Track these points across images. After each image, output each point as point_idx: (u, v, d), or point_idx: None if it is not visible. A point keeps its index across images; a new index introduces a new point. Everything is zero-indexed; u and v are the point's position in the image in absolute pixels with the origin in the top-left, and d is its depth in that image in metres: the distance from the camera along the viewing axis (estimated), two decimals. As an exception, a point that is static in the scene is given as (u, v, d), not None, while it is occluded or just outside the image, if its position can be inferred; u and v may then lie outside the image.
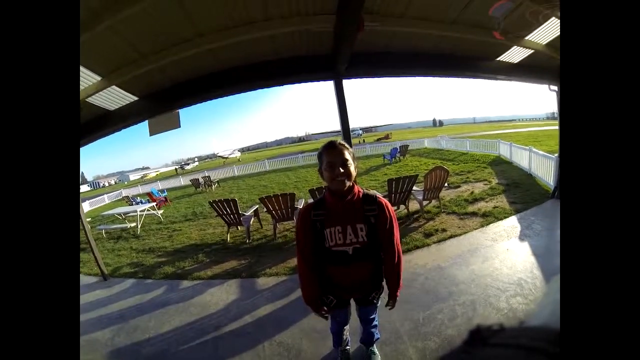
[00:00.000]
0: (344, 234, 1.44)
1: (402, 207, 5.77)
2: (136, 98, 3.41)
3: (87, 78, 2.74)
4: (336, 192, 1.43)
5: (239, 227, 5.91)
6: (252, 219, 6.01)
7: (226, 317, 3.13)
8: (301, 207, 1.53)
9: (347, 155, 1.38)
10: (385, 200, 1.49)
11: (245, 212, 6.14)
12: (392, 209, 1.52)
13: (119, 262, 5.74)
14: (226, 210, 5.63)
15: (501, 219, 4.60)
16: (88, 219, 11.49)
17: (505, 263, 3.26)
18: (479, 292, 2.79)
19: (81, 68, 2.54)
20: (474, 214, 5.07)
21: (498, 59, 3.96)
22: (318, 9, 2.39)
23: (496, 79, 4.29)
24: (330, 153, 1.38)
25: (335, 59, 2.99)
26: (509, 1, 2.55)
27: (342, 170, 1.35)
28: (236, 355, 2.51)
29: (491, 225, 4.45)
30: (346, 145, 1.41)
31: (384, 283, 1.69)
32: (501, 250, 3.58)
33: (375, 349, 2.18)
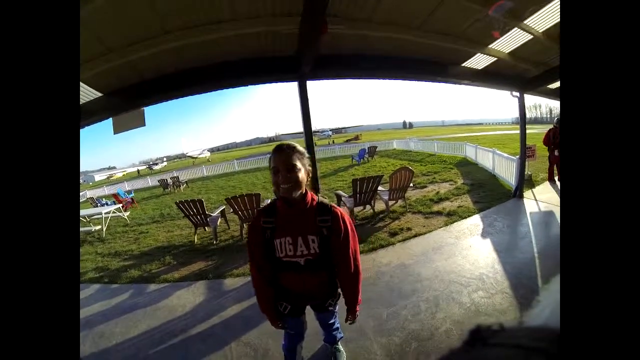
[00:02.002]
0: (294, 245, 1.34)
1: (368, 207, 5.89)
2: (100, 94, 3.26)
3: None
4: (286, 200, 1.33)
5: (206, 227, 5.83)
6: (219, 219, 5.95)
7: (194, 318, 3.11)
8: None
9: (295, 161, 1.25)
10: (341, 210, 1.41)
11: (212, 212, 6.07)
12: (348, 219, 1.43)
13: (83, 267, 5.42)
14: (193, 211, 5.55)
15: (465, 218, 4.85)
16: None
17: (468, 259, 3.45)
18: (442, 287, 2.92)
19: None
20: (439, 213, 5.32)
21: (464, 64, 4.17)
22: (285, 10, 2.42)
23: (462, 83, 4.52)
24: (276, 157, 1.26)
25: (300, 60, 3.04)
26: (478, 9, 2.69)
27: (288, 175, 1.24)
28: (204, 356, 2.50)
29: (455, 223, 4.69)
30: (298, 149, 1.29)
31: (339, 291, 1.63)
32: (464, 247, 3.78)
33: (339, 346, 2.18)
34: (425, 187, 7.71)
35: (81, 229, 8.04)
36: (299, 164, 1.27)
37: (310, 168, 1.35)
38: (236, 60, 3.24)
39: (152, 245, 6.09)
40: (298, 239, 1.34)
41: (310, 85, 3.53)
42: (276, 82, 3.81)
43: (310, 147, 3.54)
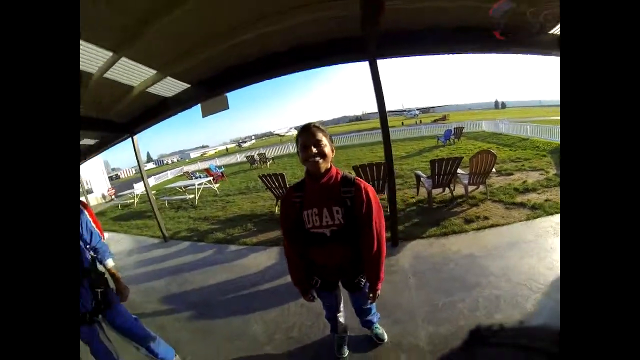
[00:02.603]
0: (320, 216, 1.44)
1: (447, 190, 5.60)
2: (188, 85, 3.82)
3: (145, 72, 3.19)
4: (312, 174, 1.44)
5: None
6: (290, 186, 6.35)
7: (263, 278, 3.54)
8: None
9: (321, 136, 1.38)
10: (364, 183, 1.46)
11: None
12: (372, 192, 1.48)
13: (178, 227, 6.61)
14: (274, 184, 6.00)
15: (551, 214, 4.18)
16: (153, 192, 13.07)
17: (545, 262, 2.98)
18: (508, 288, 2.65)
19: (137, 64, 2.97)
20: (522, 204, 4.71)
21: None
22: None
23: (552, 54, 3.80)
24: (303, 135, 1.39)
25: (366, 40, 2.99)
26: None
27: (315, 150, 1.36)
28: (265, 309, 2.87)
29: (538, 219, 4.10)
30: (321, 127, 1.41)
31: None
32: (543, 248, 3.30)
33: (379, 326, 2.21)
34: (512, 174, 6.84)
35: (177, 197, 9.57)
36: (324, 140, 1.39)
37: (333, 145, 1.46)
38: (305, 44, 3.34)
39: (236, 213, 6.92)
40: (323, 210, 1.43)
41: (396, 62, 3.43)
42: (347, 63, 3.81)
43: (384, 126, 3.51)
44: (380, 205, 1.52)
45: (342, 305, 1.98)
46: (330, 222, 1.44)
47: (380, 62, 3.38)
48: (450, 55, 3.97)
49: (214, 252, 4.75)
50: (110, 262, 2.01)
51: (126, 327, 2.02)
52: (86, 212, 1.94)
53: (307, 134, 1.38)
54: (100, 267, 1.99)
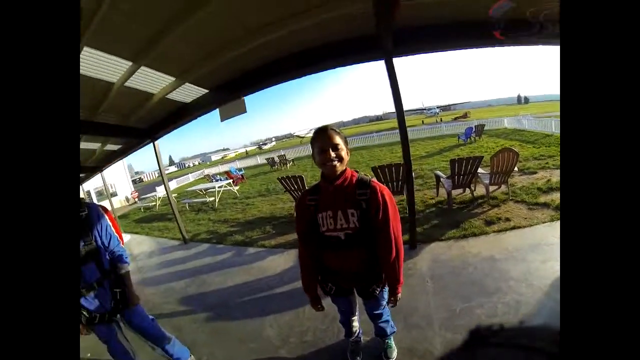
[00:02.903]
0: (334, 219, 1.43)
1: (468, 191, 5.47)
2: (206, 90, 3.93)
3: (164, 79, 3.31)
4: (328, 177, 1.44)
5: None
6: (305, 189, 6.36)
7: (280, 280, 3.57)
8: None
9: (338, 140, 1.38)
10: (380, 185, 1.44)
11: None
12: (388, 194, 1.45)
13: (198, 229, 6.78)
14: (294, 187, 6.00)
15: (578, 214, 3.99)
16: (174, 195, 13.49)
17: None
18: (530, 294, 2.51)
19: (157, 72, 3.09)
20: (545, 205, 4.50)
21: None
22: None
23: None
24: (320, 138, 1.38)
25: (380, 38, 2.94)
26: None
27: (333, 154, 1.35)
28: (280, 312, 2.89)
29: (563, 219, 3.92)
30: (337, 130, 1.41)
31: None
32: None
33: (391, 341, 2.11)
34: (535, 173, 6.53)
35: (198, 200, 9.83)
36: (342, 143, 1.39)
37: (348, 148, 1.45)
38: (319, 45, 3.34)
39: (256, 216, 7.02)
40: (338, 213, 1.42)
41: (415, 60, 3.37)
42: (362, 63, 3.78)
43: (402, 126, 3.46)
44: (396, 207, 1.49)
45: (357, 309, 1.96)
46: (345, 225, 1.42)
47: (398, 60, 3.33)
48: (471, 49, 3.81)
49: (232, 255, 4.84)
50: (125, 267, 2.05)
51: (143, 327, 2.08)
52: (106, 217, 2.02)
53: (324, 137, 1.38)
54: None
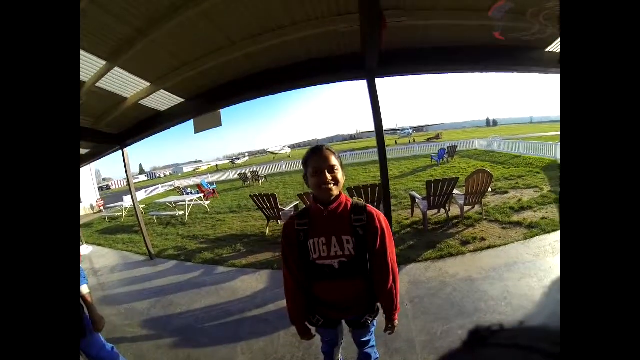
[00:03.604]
0: (328, 245, 1.31)
1: (442, 211, 5.55)
2: (182, 100, 3.76)
3: (138, 84, 3.12)
4: (322, 201, 1.32)
5: (278, 221, 6.10)
6: (292, 214, 6.22)
7: (252, 303, 3.35)
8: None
9: (334, 161, 1.28)
10: (376, 211, 1.36)
11: (285, 207, 6.34)
12: (384, 220, 1.37)
13: (165, 245, 6.37)
14: (266, 205, 5.87)
15: (548, 232, 4.15)
16: (142, 206, 12.83)
17: (545, 283, 2.92)
18: (509, 312, 2.54)
19: (131, 75, 2.91)
20: (518, 224, 4.67)
21: (548, 49, 3.53)
22: (342, 9, 2.39)
23: (547, 72, 3.84)
24: (315, 158, 1.27)
25: (365, 57, 2.96)
26: None
27: (329, 176, 1.25)
28: (253, 338, 2.68)
29: (536, 238, 4.06)
30: (332, 150, 1.31)
31: (379, 304, 1.53)
32: (542, 268, 3.23)
33: None
34: (507, 192, 6.84)
35: (167, 213, 9.35)
36: (337, 165, 1.29)
37: (344, 170, 1.35)
38: (304, 61, 3.32)
39: (226, 233, 6.71)
40: (332, 239, 1.31)
41: (390, 81, 3.42)
42: (344, 81, 3.79)
43: (381, 146, 3.45)
44: (390, 231, 1.41)
45: (342, 340, 1.82)
46: (340, 253, 1.31)
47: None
48: (445, 74, 3.96)
49: (201, 274, 4.53)
50: (85, 289, 1.86)
51: (101, 358, 1.89)
52: None
53: (320, 158, 1.27)
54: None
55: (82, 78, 2.73)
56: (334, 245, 1.31)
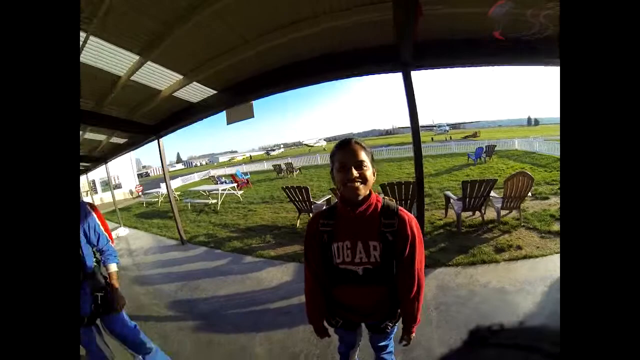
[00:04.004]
0: (352, 250, 1.21)
1: (478, 214, 5.27)
2: (214, 91, 3.84)
3: (171, 76, 3.23)
4: (348, 201, 1.20)
5: (310, 214, 6.09)
6: (324, 208, 6.21)
7: (275, 294, 3.40)
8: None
9: (363, 156, 1.15)
10: (409, 215, 1.23)
11: (317, 200, 6.34)
12: (417, 226, 1.24)
13: (197, 231, 6.68)
14: (298, 197, 5.88)
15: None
16: (177, 193, 13.47)
17: None
18: None
19: (164, 69, 3.01)
20: (558, 234, 4.29)
21: None
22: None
23: None
24: (343, 152, 1.15)
25: (400, 49, 2.81)
26: None
27: (356, 173, 1.12)
28: (273, 330, 2.72)
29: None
30: (362, 144, 1.18)
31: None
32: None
33: None
34: (548, 198, 6.30)
35: (200, 200, 9.76)
36: (367, 161, 1.16)
37: (375, 167, 1.23)
38: (334, 53, 3.23)
39: (257, 223, 6.87)
40: (358, 244, 1.21)
41: (426, 75, 3.25)
42: (378, 74, 3.66)
43: (417, 142, 3.32)
44: (422, 239, 1.29)
45: (360, 342, 1.76)
46: (365, 260, 1.21)
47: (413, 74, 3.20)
48: (485, 67, 3.67)
49: (229, 262, 4.69)
50: (113, 267, 1.97)
51: (124, 335, 1.97)
52: (94, 215, 1.92)
53: (347, 152, 1.15)
54: (103, 272, 1.97)
55: (117, 72, 2.88)
56: (359, 251, 1.21)
